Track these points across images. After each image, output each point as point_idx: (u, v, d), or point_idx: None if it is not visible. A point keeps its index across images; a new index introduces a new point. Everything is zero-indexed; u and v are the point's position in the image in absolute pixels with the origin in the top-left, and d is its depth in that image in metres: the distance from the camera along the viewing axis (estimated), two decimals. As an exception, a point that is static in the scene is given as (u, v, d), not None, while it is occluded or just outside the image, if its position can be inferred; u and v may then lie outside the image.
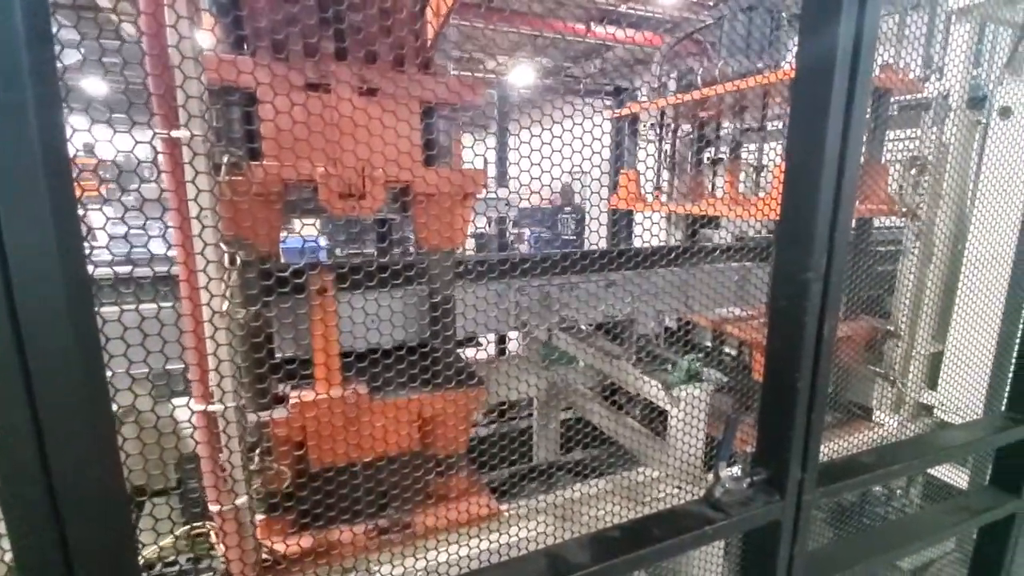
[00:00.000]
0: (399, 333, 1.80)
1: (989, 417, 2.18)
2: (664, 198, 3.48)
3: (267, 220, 1.45)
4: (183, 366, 1.26)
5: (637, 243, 3.82)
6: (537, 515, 1.89)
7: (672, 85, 3.10)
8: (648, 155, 3.59)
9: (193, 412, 1.27)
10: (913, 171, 2.51)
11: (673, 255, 2.37)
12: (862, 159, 1.27)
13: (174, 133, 1.12)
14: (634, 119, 3.58)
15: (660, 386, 2.28)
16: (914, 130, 2.60)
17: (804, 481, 1.37)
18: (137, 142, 1.01)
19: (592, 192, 4.33)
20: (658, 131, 3.51)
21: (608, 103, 4.14)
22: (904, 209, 2.53)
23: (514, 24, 8.21)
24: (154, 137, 1.11)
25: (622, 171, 3.58)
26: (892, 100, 2.51)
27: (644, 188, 3.58)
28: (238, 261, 1.26)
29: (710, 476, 1.38)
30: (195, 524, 1.69)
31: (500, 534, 1.70)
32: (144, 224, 1.04)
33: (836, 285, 1.25)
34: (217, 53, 1.34)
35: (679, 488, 2.14)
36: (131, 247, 1.02)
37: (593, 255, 2.47)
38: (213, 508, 1.33)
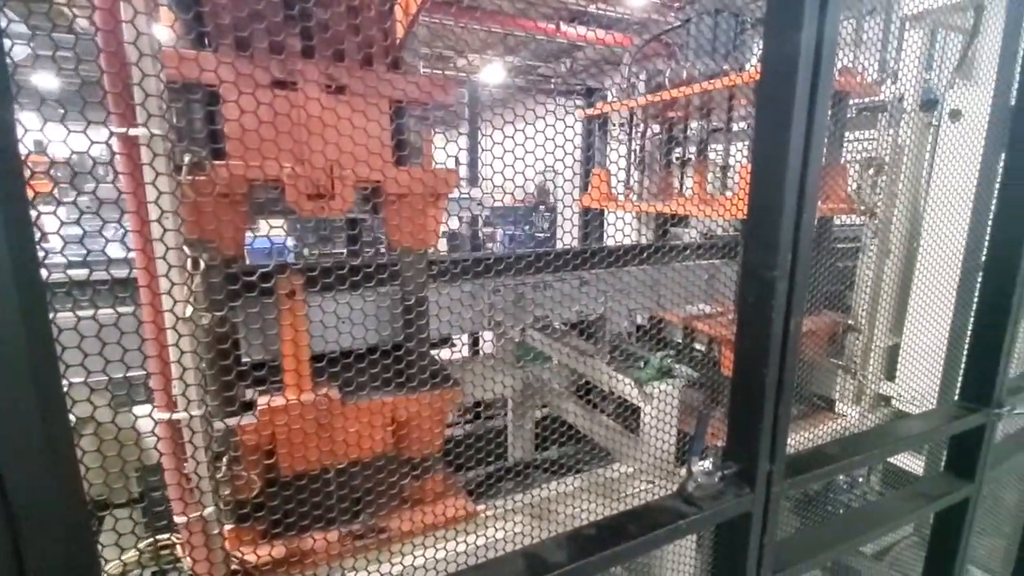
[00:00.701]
0: (371, 335, 1.78)
1: (943, 406, 2.28)
2: (634, 197, 3.52)
3: (232, 222, 1.41)
4: (145, 373, 1.22)
5: (609, 242, 3.86)
6: (513, 515, 1.89)
7: (641, 86, 3.14)
8: (619, 155, 3.63)
9: (156, 421, 1.23)
10: (871, 171, 2.60)
11: (644, 254, 2.41)
12: (823, 160, 1.31)
13: (131, 131, 1.08)
14: (604, 119, 3.62)
15: (632, 383, 2.31)
16: (871, 132, 2.70)
17: (773, 473, 1.40)
18: (92, 141, 0.97)
19: (564, 192, 4.35)
20: (628, 131, 3.55)
21: (579, 103, 4.17)
22: (863, 208, 2.62)
23: (484, 23, 8.20)
24: (111, 136, 1.07)
25: (593, 170, 3.61)
26: (851, 103, 2.60)
27: (615, 187, 3.62)
28: (202, 264, 1.22)
29: (682, 471, 1.41)
30: (160, 536, 1.63)
31: (476, 536, 1.70)
32: (101, 227, 1.00)
33: (801, 283, 1.28)
34: (177, 49, 1.30)
35: (652, 483, 2.17)
36: (87, 251, 0.97)
37: (565, 254, 2.48)
38: (179, 519, 1.29)
